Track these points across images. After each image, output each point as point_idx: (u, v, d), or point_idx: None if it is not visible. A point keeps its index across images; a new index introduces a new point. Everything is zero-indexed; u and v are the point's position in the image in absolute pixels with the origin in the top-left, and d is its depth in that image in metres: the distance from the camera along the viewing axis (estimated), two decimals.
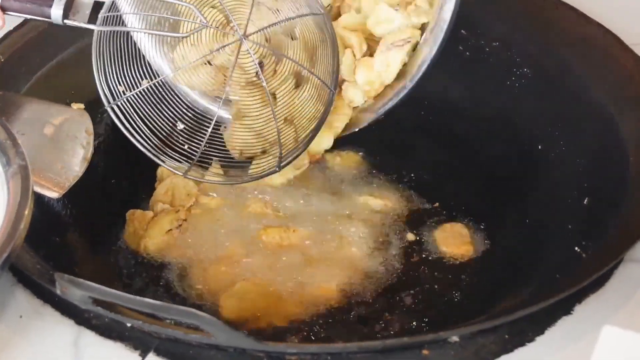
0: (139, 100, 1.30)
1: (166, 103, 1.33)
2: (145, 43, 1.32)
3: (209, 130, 1.31)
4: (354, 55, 1.36)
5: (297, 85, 1.33)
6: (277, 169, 1.31)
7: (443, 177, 1.51)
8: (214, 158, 1.34)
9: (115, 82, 1.27)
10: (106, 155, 1.43)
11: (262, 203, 1.41)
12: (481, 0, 1.54)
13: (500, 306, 1.22)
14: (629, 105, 1.33)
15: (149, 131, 1.30)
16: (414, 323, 1.25)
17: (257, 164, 1.35)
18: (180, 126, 1.34)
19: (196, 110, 1.36)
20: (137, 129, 1.29)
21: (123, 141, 1.31)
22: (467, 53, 1.56)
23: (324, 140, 1.38)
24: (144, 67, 1.29)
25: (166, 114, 1.33)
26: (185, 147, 1.32)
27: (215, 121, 1.31)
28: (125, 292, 0.97)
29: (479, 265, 1.35)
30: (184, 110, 1.35)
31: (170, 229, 1.36)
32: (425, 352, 1.04)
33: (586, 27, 1.46)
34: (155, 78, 1.30)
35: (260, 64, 1.28)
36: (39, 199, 1.22)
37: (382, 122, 1.39)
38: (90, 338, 1.06)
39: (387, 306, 1.28)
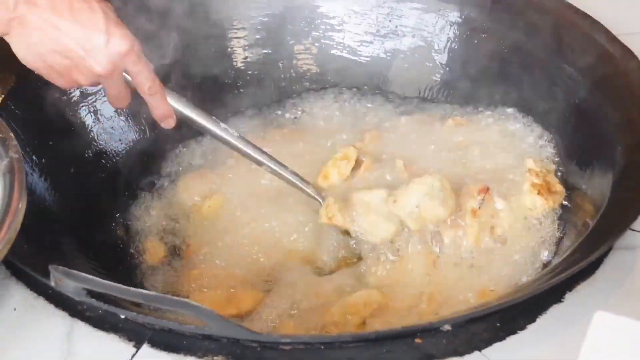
0: None
1: None
2: None
3: None
4: None
5: None
6: None
7: None
8: None
9: None
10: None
11: None
12: None
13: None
14: (616, 95, 1.33)
15: None
16: None
17: None
18: None
19: None
20: None
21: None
22: (455, 46, 1.57)
23: None
24: None
25: None
26: None
27: None
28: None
29: None
30: None
31: None
32: (418, 340, 1.04)
33: (574, 18, 1.46)
34: None
35: None
36: (31, 190, 1.22)
37: None
38: (83, 330, 1.06)
39: None
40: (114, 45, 1.15)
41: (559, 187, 1.36)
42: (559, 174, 1.38)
